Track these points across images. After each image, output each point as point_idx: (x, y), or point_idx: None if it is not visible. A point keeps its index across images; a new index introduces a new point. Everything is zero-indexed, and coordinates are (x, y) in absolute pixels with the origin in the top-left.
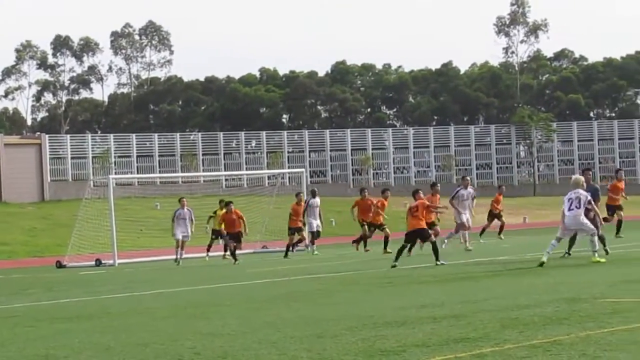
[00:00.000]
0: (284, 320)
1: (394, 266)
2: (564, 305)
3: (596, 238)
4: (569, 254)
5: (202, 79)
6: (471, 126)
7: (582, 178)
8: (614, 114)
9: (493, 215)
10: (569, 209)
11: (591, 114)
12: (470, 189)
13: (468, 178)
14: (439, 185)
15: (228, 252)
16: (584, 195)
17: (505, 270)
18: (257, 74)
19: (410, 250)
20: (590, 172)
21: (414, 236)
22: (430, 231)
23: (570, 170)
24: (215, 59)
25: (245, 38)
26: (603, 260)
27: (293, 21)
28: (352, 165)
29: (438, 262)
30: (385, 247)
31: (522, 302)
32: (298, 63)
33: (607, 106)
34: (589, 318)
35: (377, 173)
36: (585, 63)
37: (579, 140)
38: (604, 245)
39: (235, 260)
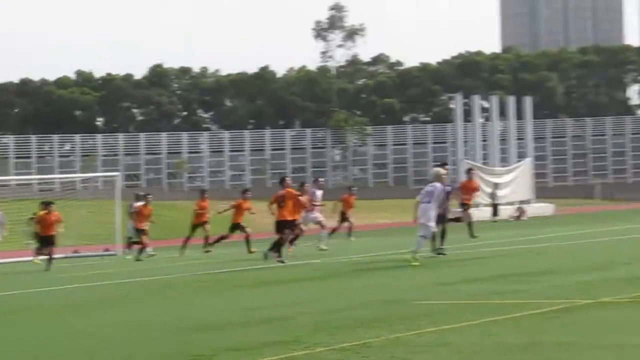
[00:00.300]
0: (96, 326)
1: (281, 262)
2: (377, 308)
3: (423, 240)
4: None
5: (16, 81)
6: (287, 130)
7: (443, 171)
8: (428, 118)
9: (344, 216)
10: (422, 202)
11: (406, 118)
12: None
13: (322, 179)
14: (250, 192)
15: (40, 257)
16: (440, 188)
17: (326, 273)
18: (73, 76)
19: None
20: (447, 167)
21: (283, 226)
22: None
23: (384, 174)
24: (31, 61)
25: (62, 40)
26: (417, 263)
27: (111, 23)
28: (167, 168)
29: (278, 259)
30: (249, 247)
31: (336, 305)
32: (115, 66)
33: (422, 110)
34: (399, 320)
35: (191, 177)
36: (401, 68)
37: (393, 144)
38: (440, 246)
39: (48, 264)
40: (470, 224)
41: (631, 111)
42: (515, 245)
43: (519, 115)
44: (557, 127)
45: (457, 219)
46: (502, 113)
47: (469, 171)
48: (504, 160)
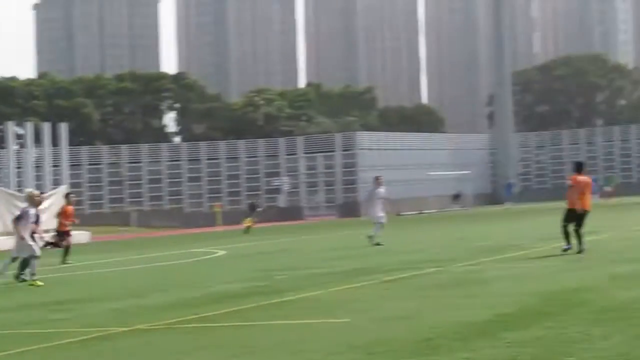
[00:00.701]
0: None
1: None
2: None
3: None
4: None
5: None
6: None
7: (36, 193)
8: None
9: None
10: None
11: None
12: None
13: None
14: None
15: None
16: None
17: None
18: None
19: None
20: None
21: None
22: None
23: None
24: None
25: None
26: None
27: None
28: None
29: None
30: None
31: None
32: None
33: None
34: None
35: None
36: None
37: None
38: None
39: None
40: (67, 249)
41: (167, 138)
42: (50, 274)
43: (55, 142)
44: (93, 154)
45: (55, 244)
46: (38, 139)
47: (67, 195)
48: (40, 187)
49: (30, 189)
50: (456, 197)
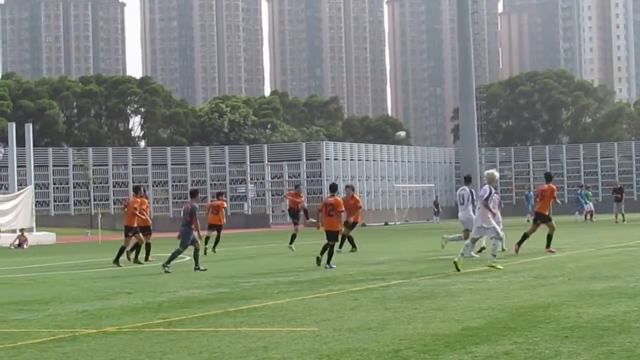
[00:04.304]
0: None
1: None
2: None
3: None
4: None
5: None
6: None
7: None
8: None
9: None
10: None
11: None
12: None
13: None
14: None
15: None
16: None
17: None
18: None
19: None
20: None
21: None
22: None
23: None
24: None
25: None
26: None
27: None
28: None
29: None
30: None
31: None
32: None
33: None
34: None
35: None
36: None
37: None
38: None
39: None
40: None
41: (132, 142)
42: (15, 274)
43: (21, 143)
44: (59, 156)
45: None
46: (4, 140)
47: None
48: (5, 188)
49: None
50: (437, 206)
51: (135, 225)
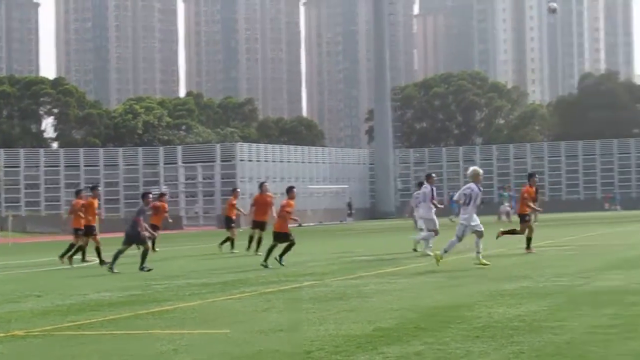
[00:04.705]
0: None
1: None
2: None
3: None
4: None
5: None
6: None
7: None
8: None
9: None
10: None
11: None
12: None
13: None
14: None
15: None
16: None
17: None
18: None
19: None
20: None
21: None
22: None
23: None
24: None
25: None
26: None
27: None
28: None
29: None
30: None
31: None
32: None
33: None
34: None
35: None
36: None
37: None
38: None
39: None
40: None
41: (45, 143)
42: None
43: None
44: None
45: None
46: None
47: None
48: None
49: None
50: (350, 207)
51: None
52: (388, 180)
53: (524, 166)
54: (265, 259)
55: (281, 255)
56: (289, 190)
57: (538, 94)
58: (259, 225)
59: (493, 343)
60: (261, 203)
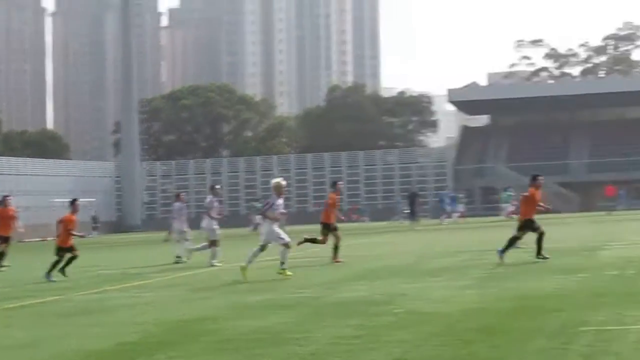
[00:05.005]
0: None
1: None
2: None
3: None
4: None
5: None
6: None
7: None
8: None
9: None
10: None
11: None
12: None
13: None
14: None
15: None
16: None
17: None
18: None
19: None
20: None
21: None
22: None
23: None
24: None
25: None
26: None
27: None
28: None
29: None
30: None
31: None
32: None
33: None
34: None
35: None
36: None
37: None
38: None
39: None
40: None
41: None
42: None
43: None
44: None
45: None
46: None
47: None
48: None
49: None
50: (95, 221)
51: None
52: (134, 194)
53: (270, 178)
54: (49, 272)
55: (63, 268)
56: (72, 203)
57: (286, 106)
58: (3, 239)
59: (237, 355)
60: (3, 217)
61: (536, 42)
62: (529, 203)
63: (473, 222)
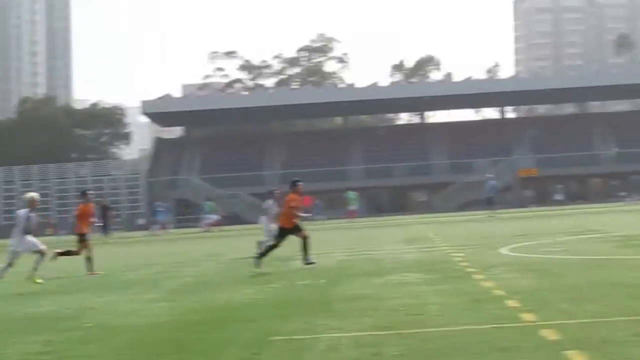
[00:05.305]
0: None
1: None
2: None
3: None
4: None
5: None
6: None
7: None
8: None
9: None
10: None
11: None
12: None
13: None
14: None
15: None
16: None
17: None
18: None
19: None
20: None
21: None
22: None
23: None
24: None
25: None
26: None
27: None
28: None
29: None
30: None
31: None
32: None
33: None
34: None
35: None
36: None
37: None
38: None
39: None
40: None
41: None
42: None
43: None
44: None
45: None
46: None
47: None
48: None
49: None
50: None
51: None
52: None
53: None
54: None
55: None
56: None
57: None
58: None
59: None
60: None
61: (230, 54)
62: (287, 208)
63: (171, 233)
